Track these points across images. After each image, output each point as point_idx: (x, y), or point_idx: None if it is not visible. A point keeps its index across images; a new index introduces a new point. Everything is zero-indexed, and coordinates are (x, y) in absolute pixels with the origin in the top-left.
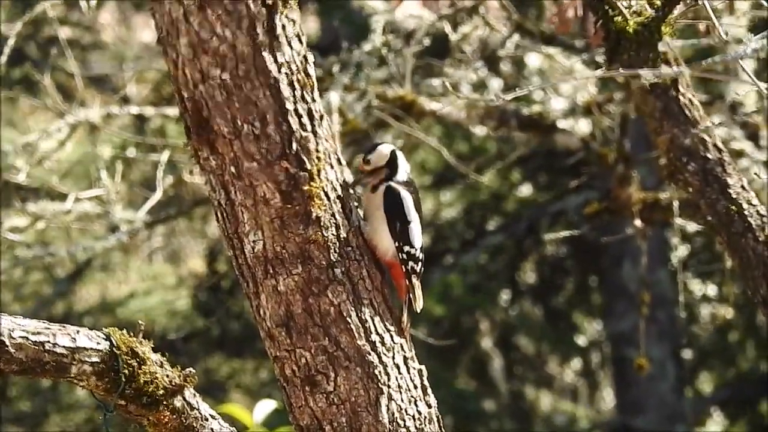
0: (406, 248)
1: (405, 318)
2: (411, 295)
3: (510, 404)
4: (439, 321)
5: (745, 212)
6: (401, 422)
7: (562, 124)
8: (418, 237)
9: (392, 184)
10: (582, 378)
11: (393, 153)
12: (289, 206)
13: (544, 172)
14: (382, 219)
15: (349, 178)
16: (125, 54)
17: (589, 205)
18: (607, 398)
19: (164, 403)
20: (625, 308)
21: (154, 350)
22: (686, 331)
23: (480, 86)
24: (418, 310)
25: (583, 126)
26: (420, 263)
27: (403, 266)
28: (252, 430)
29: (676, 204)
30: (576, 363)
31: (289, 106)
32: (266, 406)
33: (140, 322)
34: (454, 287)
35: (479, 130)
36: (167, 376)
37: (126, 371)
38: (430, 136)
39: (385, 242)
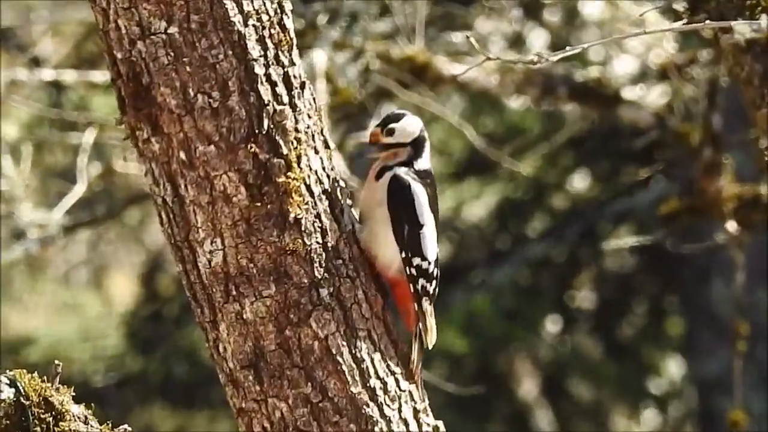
0: (416, 261)
1: (415, 356)
2: (421, 325)
3: None
4: (463, 360)
5: None
6: None
7: (628, 93)
8: (432, 246)
9: (400, 172)
10: None
11: (422, 131)
12: (258, 204)
13: (605, 159)
14: (384, 220)
15: (340, 166)
16: (37, 0)
17: (666, 202)
18: None
19: None
20: (714, 342)
21: (76, 400)
22: None
23: (517, 43)
24: (430, 346)
25: (656, 96)
26: (434, 282)
27: (411, 285)
28: None
29: None
30: (649, 416)
31: (259, 70)
32: None
33: (56, 362)
34: (482, 314)
35: (516, 102)
36: None
37: (38, 429)
38: (449, 110)
39: (388, 252)
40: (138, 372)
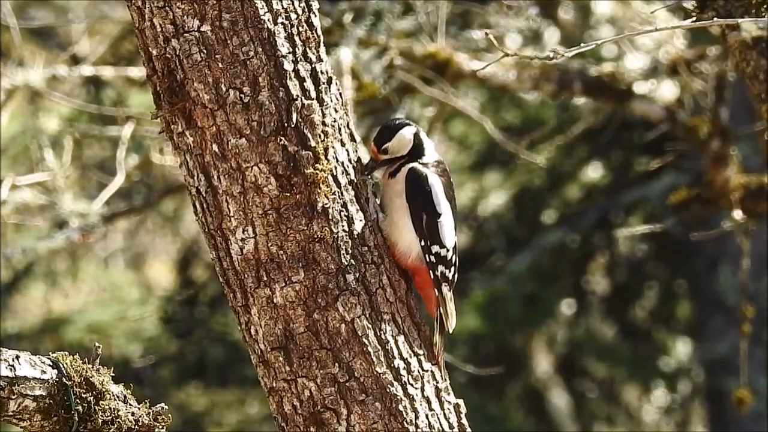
0: (435, 248)
1: (437, 338)
2: (441, 310)
3: None
4: (483, 341)
5: None
6: None
7: (640, 88)
8: (450, 234)
9: (416, 165)
10: (666, 415)
11: (417, 136)
12: (288, 195)
13: (618, 150)
14: (403, 210)
15: (365, 157)
16: (75, 0)
17: (676, 192)
18: None
19: None
20: (722, 325)
21: (115, 380)
22: None
23: (534, 39)
24: (451, 330)
25: (667, 90)
26: (453, 268)
27: (431, 272)
28: None
29: None
30: (659, 395)
31: (288, 66)
32: None
33: (96, 344)
34: (501, 299)
35: (533, 96)
36: (132, 414)
37: (80, 407)
38: (469, 104)
39: (407, 239)
40: (174, 354)
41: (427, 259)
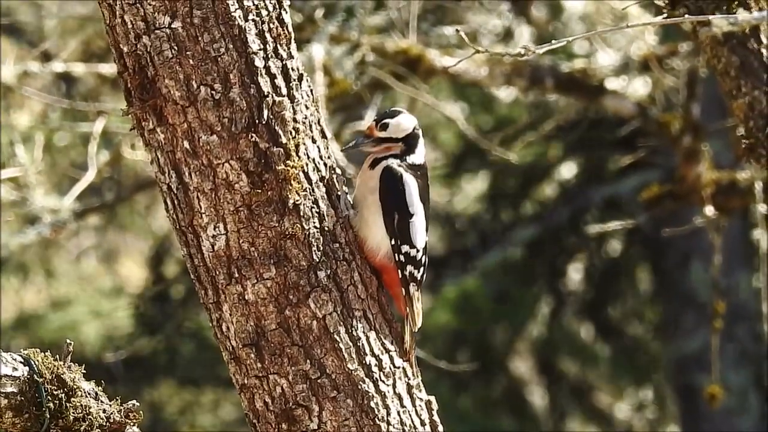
0: (405, 248)
1: (408, 335)
2: (408, 309)
3: None
4: (458, 339)
5: None
6: None
7: (612, 84)
8: (421, 235)
9: (393, 164)
10: (638, 412)
11: (417, 129)
12: (259, 191)
13: (590, 147)
14: (375, 207)
15: (337, 155)
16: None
17: (648, 188)
18: None
19: None
20: (693, 322)
21: (87, 377)
22: None
23: (506, 36)
24: (416, 329)
25: (639, 87)
26: (422, 268)
27: (399, 271)
28: None
29: (758, 186)
30: (632, 391)
31: (259, 63)
32: None
33: (68, 341)
34: (474, 296)
35: (505, 93)
36: (104, 411)
37: (51, 404)
38: (441, 101)
39: (376, 237)
40: (146, 352)
41: (396, 258)
